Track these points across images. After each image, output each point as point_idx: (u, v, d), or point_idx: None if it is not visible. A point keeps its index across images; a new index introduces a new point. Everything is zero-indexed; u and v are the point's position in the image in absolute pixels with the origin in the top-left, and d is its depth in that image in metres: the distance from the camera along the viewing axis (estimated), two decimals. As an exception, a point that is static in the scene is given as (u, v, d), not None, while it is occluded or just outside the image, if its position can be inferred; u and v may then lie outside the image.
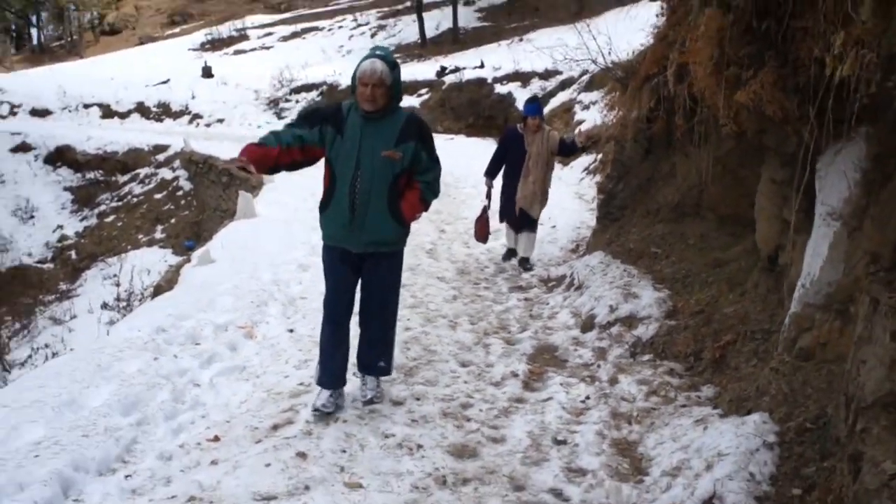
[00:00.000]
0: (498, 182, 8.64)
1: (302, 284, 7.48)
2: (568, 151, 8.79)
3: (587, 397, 4.85)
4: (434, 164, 4.63)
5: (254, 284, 7.26)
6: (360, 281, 4.69)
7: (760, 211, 5.43)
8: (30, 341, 13.82)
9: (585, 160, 14.35)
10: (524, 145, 8.26)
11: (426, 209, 4.74)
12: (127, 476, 3.81)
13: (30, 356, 12.29)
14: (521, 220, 8.47)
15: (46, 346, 12.83)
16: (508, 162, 8.47)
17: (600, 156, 13.43)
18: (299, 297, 7.05)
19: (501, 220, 8.77)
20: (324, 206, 4.58)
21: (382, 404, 4.70)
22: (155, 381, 4.91)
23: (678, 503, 3.44)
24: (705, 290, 5.95)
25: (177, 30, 48.51)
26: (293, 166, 4.56)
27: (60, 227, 22.08)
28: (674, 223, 7.21)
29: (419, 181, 4.60)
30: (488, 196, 8.62)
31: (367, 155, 4.38)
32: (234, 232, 9.81)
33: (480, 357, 5.68)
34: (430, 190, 4.67)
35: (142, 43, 45.81)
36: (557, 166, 12.64)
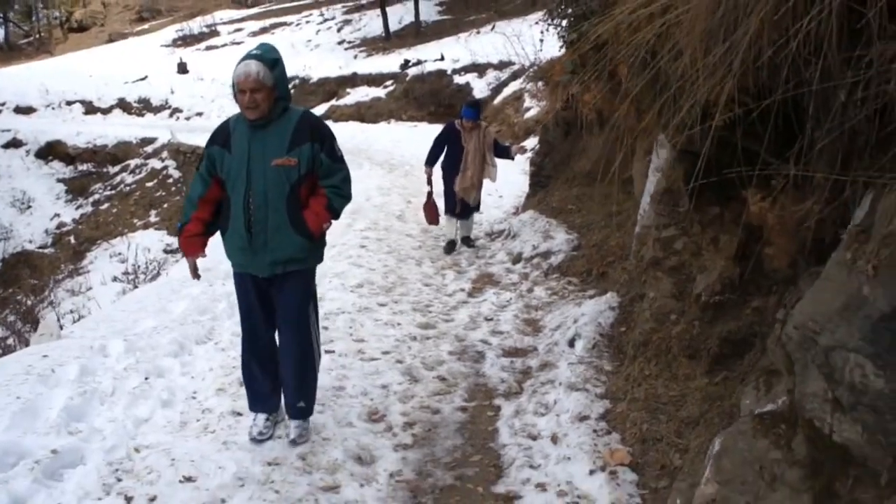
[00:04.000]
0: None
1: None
2: (501, 153, 9.38)
3: (510, 299, 7.16)
4: (338, 164, 4.16)
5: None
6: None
7: (636, 173, 7.74)
8: (54, 310, 15.77)
9: (531, 142, 16.59)
10: (462, 142, 8.94)
11: (336, 217, 4.22)
12: (216, 343, 6.03)
13: (58, 320, 14.05)
14: (463, 208, 9.19)
15: (72, 311, 14.76)
16: (448, 156, 9.05)
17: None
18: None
19: (446, 213, 9.32)
20: (223, 230, 4.16)
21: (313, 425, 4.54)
22: (214, 297, 7.12)
23: (556, 341, 5.77)
24: (602, 231, 8.24)
25: (146, 26, 49.68)
26: (219, 207, 4.18)
27: (57, 215, 23.80)
28: (586, 186, 9.50)
29: (324, 186, 4.15)
30: (429, 182, 9.21)
31: (257, 167, 3.95)
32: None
33: (438, 281, 7.98)
34: (339, 195, 4.18)
35: (112, 40, 46.81)
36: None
